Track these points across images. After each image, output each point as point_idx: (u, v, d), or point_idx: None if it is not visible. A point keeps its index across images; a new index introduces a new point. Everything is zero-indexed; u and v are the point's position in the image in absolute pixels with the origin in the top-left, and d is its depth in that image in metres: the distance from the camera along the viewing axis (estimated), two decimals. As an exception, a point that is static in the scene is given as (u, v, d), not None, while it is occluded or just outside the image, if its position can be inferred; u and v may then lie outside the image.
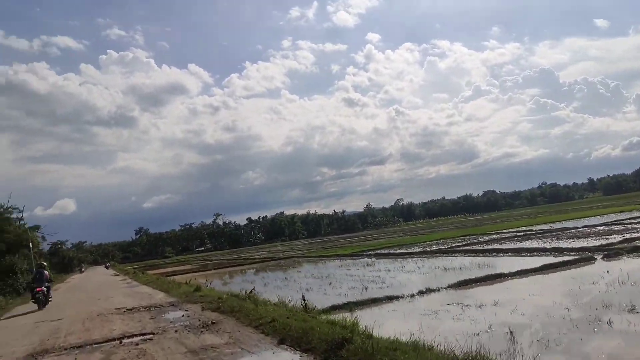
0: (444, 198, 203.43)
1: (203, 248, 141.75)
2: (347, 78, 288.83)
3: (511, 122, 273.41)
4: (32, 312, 17.03)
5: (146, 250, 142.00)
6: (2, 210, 62.32)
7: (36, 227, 75.02)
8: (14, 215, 66.43)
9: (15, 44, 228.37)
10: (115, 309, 14.56)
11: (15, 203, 67.37)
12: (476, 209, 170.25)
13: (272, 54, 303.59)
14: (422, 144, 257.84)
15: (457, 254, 23.05)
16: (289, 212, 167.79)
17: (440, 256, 23.33)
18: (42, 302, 17.70)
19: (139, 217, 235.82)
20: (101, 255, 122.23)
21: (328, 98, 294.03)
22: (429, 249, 28.81)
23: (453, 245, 29.19)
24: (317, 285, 18.00)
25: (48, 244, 77.12)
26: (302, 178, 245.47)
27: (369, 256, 29.44)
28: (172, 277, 28.27)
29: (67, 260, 75.83)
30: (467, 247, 26.07)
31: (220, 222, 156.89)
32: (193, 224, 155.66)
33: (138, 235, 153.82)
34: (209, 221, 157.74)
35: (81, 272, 57.78)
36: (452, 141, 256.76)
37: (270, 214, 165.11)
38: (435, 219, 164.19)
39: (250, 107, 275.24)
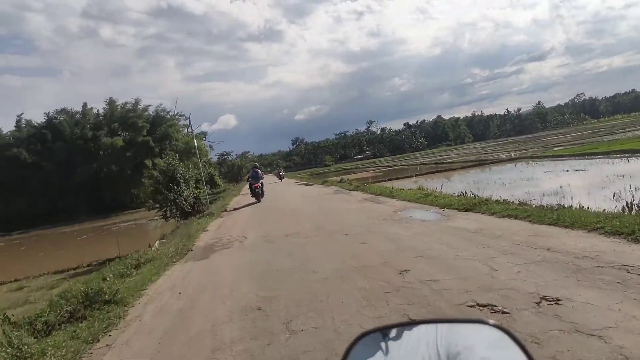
0: (633, 90, 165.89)
1: (362, 156, 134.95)
2: None
3: None
4: (253, 203, 20.04)
5: (305, 159, 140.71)
6: (169, 116, 60.08)
7: (203, 134, 73.13)
8: (181, 123, 64.46)
9: None
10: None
11: (181, 110, 64.45)
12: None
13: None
14: (592, 33, 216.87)
15: None
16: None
17: None
18: (259, 195, 20.47)
19: (292, 128, 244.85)
20: (265, 164, 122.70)
21: None
22: None
23: None
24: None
25: (216, 155, 75.70)
26: (451, 81, 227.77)
27: None
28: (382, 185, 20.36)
29: (236, 168, 72.87)
30: None
31: (374, 129, 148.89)
32: (347, 131, 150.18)
33: (295, 145, 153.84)
34: (362, 129, 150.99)
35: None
36: (631, 26, 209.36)
37: (418, 120, 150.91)
38: (635, 113, 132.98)
39: (395, 9, 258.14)
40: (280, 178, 44.42)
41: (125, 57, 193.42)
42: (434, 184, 18.02)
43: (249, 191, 22.02)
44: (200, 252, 9.48)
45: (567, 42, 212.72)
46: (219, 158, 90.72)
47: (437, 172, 30.71)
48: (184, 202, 18.81)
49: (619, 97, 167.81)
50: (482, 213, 8.51)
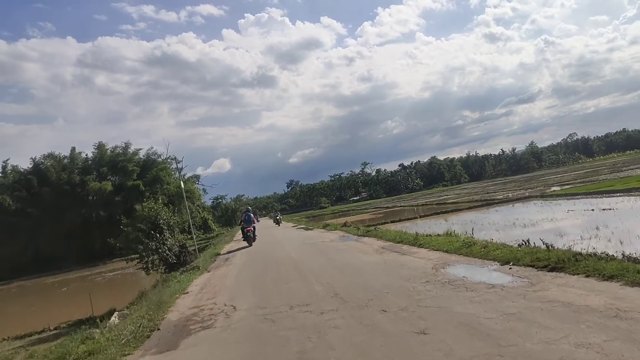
0: (624, 130, 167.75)
1: (358, 197, 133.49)
2: (488, 11, 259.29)
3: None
4: (246, 248, 20.49)
5: (301, 201, 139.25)
6: (160, 160, 58.49)
7: (196, 177, 71.40)
8: (173, 166, 62.81)
9: (166, 17, 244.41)
10: None
11: (173, 154, 62.94)
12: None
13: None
14: (577, 75, 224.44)
15: None
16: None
17: None
18: (251, 238, 21.17)
19: (287, 171, 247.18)
20: (259, 207, 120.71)
21: (467, 36, 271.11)
22: None
23: None
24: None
25: (210, 199, 73.87)
26: (442, 123, 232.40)
27: None
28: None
29: (230, 212, 70.83)
30: None
31: (369, 171, 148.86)
32: (342, 173, 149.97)
33: (290, 188, 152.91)
34: (357, 170, 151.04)
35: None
36: (615, 69, 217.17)
37: (412, 161, 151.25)
38: (630, 151, 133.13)
39: (384, 55, 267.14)
40: (278, 222, 41.91)
41: (120, 104, 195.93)
42: (454, 226, 16.10)
43: (242, 236, 21.68)
44: (168, 336, 6.59)
45: (554, 84, 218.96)
46: (213, 202, 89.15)
47: (442, 213, 28.82)
48: (167, 251, 16.72)
49: (611, 137, 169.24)
50: (584, 275, 5.86)
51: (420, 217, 27.51)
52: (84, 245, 47.28)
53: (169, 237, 17.03)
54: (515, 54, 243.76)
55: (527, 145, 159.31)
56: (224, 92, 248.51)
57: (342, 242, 16.67)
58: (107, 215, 46.25)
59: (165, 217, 17.32)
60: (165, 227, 16.97)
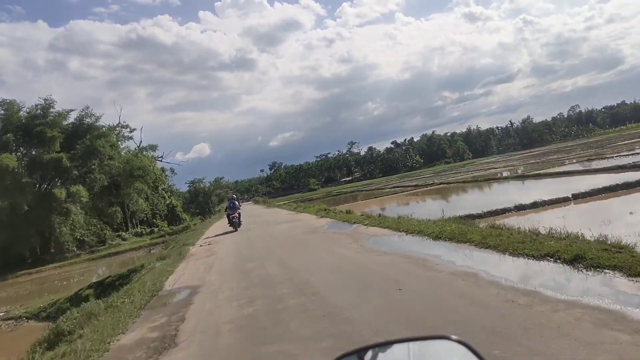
0: (635, 102, 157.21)
1: (351, 178, 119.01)
2: None
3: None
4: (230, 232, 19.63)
5: (286, 184, 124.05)
6: (100, 125, 41.86)
7: (151, 148, 54.29)
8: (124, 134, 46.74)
9: None
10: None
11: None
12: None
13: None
14: (556, 54, 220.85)
15: None
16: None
17: None
18: (236, 224, 20.63)
19: (267, 154, 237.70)
20: (241, 191, 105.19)
21: (447, 15, 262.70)
22: None
23: None
24: None
25: (186, 183, 58.43)
26: (422, 104, 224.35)
27: None
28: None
29: (203, 196, 55.02)
30: None
31: (356, 150, 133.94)
32: (329, 153, 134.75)
33: (272, 170, 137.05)
34: (343, 150, 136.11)
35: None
36: (592, 47, 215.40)
37: (390, 144, 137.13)
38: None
39: (364, 36, 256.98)
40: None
41: (95, 89, 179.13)
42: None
43: (217, 232, 21.49)
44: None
45: (533, 63, 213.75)
46: (190, 186, 72.77)
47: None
48: None
49: (617, 108, 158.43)
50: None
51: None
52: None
53: None
54: (495, 34, 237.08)
55: (521, 121, 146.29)
56: (202, 75, 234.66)
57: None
58: (9, 206, 30.32)
59: None
60: None
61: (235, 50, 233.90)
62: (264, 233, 17.02)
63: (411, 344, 1.39)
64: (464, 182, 34.75)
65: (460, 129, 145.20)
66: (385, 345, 1.37)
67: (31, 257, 32.22)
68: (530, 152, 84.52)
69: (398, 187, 46.84)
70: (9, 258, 30.98)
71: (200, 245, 16.82)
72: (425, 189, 36.23)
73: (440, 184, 37.93)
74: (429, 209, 19.17)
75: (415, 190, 36.70)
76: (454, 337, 1.32)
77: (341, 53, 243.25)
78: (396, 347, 1.37)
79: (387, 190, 45.48)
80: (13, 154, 32.72)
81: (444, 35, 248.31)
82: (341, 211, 19.97)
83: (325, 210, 21.99)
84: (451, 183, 36.70)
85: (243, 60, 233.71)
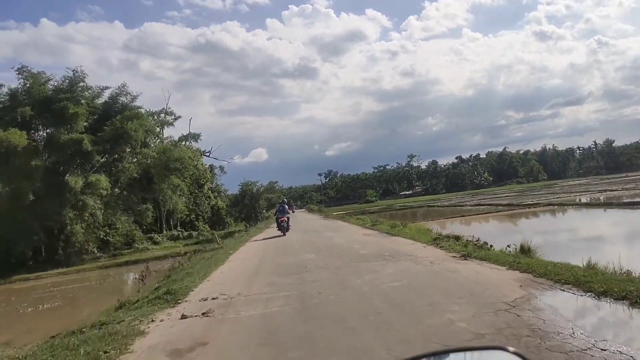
0: None
1: (411, 191, 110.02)
2: (540, 8, 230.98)
3: None
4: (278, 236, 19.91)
5: (341, 194, 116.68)
6: (135, 106, 35.38)
7: (194, 139, 48.36)
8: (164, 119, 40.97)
9: (211, 4, 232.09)
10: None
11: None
12: None
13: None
14: (631, 78, 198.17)
15: None
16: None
17: None
18: (284, 228, 20.79)
19: (323, 164, 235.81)
20: (294, 198, 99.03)
21: (516, 33, 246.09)
22: None
23: None
24: None
25: (238, 185, 52.22)
26: (484, 122, 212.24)
27: None
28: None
29: (250, 199, 48.27)
30: None
31: (415, 164, 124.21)
32: (387, 165, 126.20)
33: (328, 179, 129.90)
34: (402, 163, 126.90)
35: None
36: None
37: (448, 160, 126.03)
38: None
39: (429, 50, 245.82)
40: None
41: (163, 90, 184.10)
42: None
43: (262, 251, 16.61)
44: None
45: (605, 87, 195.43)
46: (241, 188, 66.31)
47: None
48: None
49: None
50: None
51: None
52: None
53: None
54: (566, 54, 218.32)
55: (602, 143, 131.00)
56: (265, 82, 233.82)
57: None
58: (11, 193, 24.55)
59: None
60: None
61: (299, 58, 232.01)
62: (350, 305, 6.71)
63: (468, 353, 1.41)
64: (587, 204, 25.99)
65: (524, 148, 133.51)
66: (442, 354, 1.35)
67: (33, 259, 26.43)
68: (626, 176, 72.61)
69: (481, 205, 38.33)
70: (9, 257, 25.31)
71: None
72: (533, 208, 27.71)
73: (549, 204, 29.28)
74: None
75: (517, 210, 28.25)
76: (510, 348, 1.31)
77: (404, 66, 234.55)
78: (452, 357, 1.35)
79: (470, 208, 37.02)
80: (23, 131, 27.05)
81: (512, 53, 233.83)
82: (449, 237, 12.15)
83: (446, 238, 12.19)
84: (564, 205, 28.06)
85: (306, 68, 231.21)
